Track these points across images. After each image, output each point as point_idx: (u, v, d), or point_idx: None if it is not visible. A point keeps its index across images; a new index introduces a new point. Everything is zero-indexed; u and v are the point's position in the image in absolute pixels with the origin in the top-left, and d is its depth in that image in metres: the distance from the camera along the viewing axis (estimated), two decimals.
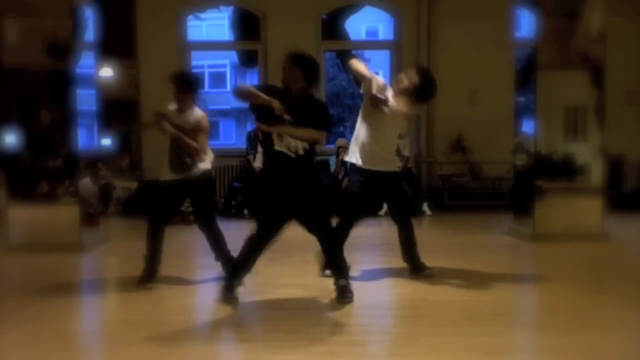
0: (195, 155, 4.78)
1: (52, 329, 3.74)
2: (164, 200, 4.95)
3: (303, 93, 4.24)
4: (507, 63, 9.34)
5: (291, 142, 4.13)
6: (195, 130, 4.82)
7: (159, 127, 4.82)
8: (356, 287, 4.66)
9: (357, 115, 5.03)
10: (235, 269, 4.36)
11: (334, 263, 4.42)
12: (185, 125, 4.80)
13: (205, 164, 4.87)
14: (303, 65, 4.32)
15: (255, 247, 4.25)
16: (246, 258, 4.28)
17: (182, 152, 4.80)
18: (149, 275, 4.83)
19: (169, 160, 4.81)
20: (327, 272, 4.98)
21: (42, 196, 6.34)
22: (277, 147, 4.13)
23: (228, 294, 4.24)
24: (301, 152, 4.14)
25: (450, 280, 4.90)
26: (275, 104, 4.04)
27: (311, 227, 4.32)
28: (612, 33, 6.99)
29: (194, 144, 4.75)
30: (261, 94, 4.07)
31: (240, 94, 4.27)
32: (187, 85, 4.89)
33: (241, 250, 4.28)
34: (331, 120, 4.47)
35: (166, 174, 4.84)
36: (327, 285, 4.53)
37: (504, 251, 6.34)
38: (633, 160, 9.61)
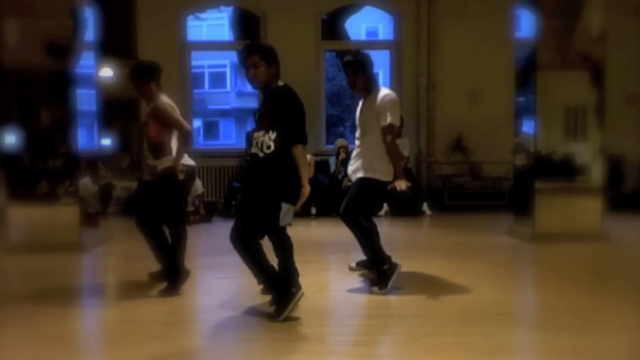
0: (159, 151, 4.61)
1: (52, 329, 3.74)
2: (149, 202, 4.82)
3: (270, 84, 3.93)
4: (507, 63, 9.31)
5: (264, 140, 3.83)
6: (149, 121, 4.64)
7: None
8: (356, 287, 4.66)
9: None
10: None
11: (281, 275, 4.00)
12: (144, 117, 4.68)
13: (164, 162, 4.62)
14: (264, 54, 3.89)
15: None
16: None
17: (149, 154, 4.71)
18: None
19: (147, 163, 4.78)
20: (353, 265, 5.04)
21: (42, 196, 6.34)
22: (253, 149, 3.92)
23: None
24: (266, 150, 3.81)
25: (450, 280, 4.90)
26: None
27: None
28: (612, 33, 6.99)
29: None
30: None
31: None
32: (141, 76, 4.62)
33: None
34: (297, 115, 3.84)
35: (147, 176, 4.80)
36: (327, 286, 4.54)
37: (504, 251, 6.33)
38: (633, 160, 9.62)
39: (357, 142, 4.88)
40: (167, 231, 4.74)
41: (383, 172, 4.69)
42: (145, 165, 4.73)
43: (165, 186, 4.61)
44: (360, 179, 4.75)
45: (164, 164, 4.60)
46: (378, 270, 4.64)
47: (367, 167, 4.73)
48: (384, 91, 4.78)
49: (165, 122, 4.60)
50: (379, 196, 4.91)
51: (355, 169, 4.80)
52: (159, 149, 4.63)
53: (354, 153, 4.88)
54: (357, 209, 4.76)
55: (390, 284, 4.52)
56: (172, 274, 4.57)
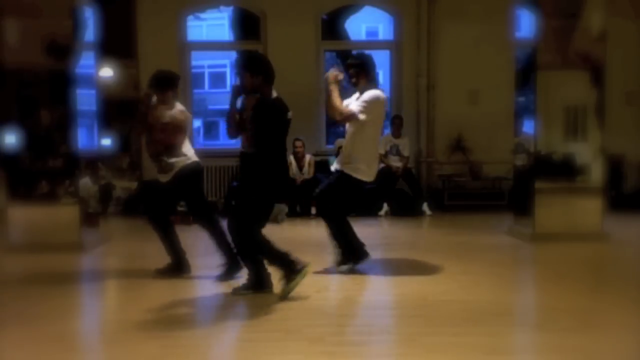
0: (162, 151, 4.92)
1: (52, 329, 3.74)
2: (159, 200, 5.10)
3: (259, 91, 4.38)
4: (507, 63, 9.33)
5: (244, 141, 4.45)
6: (168, 125, 4.94)
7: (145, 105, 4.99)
8: (356, 287, 4.66)
9: None
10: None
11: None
12: (160, 120, 4.94)
13: (181, 160, 4.97)
14: (248, 65, 4.36)
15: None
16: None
17: (154, 153, 4.98)
18: (179, 266, 5.07)
19: (155, 163, 5.02)
20: (343, 268, 5.05)
21: (42, 196, 6.34)
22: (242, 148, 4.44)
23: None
24: (248, 149, 4.43)
25: (450, 280, 4.90)
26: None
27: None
28: (612, 33, 6.99)
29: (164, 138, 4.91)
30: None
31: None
32: (163, 84, 5.01)
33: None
34: (263, 125, 4.35)
35: (160, 176, 5.03)
36: (327, 285, 4.55)
37: (504, 251, 6.34)
38: (633, 160, 9.61)
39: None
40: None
41: (364, 173, 5.01)
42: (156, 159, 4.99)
43: (187, 182, 4.98)
44: (341, 172, 5.04)
45: (181, 162, 4.95)
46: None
47: (351, 165, 5.01)
48: (372, 90, 5.02)
49: (180, 127, 4.98)
50: (355, 193, 5.08)
51: (339, 160, 5.13)
52: (173, 150, 4.94)
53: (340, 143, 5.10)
54: (333, 198, 5.05)
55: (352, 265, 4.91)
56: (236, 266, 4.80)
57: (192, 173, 5.05)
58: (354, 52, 5.55)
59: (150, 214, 5.07)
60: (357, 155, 5.01)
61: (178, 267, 5.10)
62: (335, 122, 5.21)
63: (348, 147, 5.08)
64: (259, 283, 4.38)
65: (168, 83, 5.02)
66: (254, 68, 4.29)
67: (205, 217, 5.07)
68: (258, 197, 4.26)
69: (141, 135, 5.05)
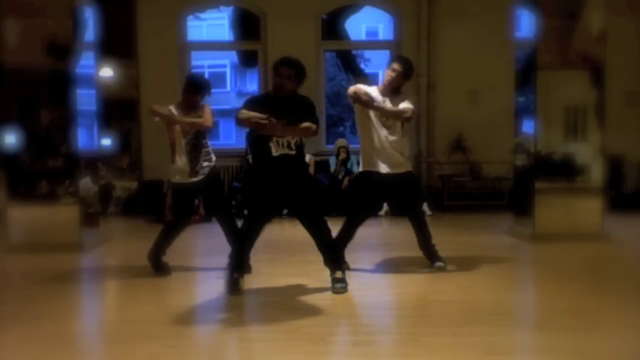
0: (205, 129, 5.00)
1: (52, 329, 3.74)
2: (190, 202, 5.18)
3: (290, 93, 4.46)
4: (507, 63, 9.31)
5: (290, 141, 4.33)
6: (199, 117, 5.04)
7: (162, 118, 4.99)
8: (356, 287, 4.66)
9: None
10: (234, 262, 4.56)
11: (332, 257, 4.56)
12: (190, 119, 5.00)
13: (212, 161, 5.10)
14: (301, 73, 4.54)
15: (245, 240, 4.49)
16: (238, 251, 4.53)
17: (198, 155, 4.97)
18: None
19: (189, 166, 4.95)
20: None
21: (42, 196, 6.34)
22: (275, 153, 4.32)
23: (232, 287, 4.45)
24: (294, 148, 4.36)
25: (450, 280, 4.90)
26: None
27: (305, 222, 4.47)
28: (612, 33, 6.99)
29: (200, 121, 4.96)
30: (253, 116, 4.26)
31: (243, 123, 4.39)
32: (200, 90, 5.03)
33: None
34: (315, 113, 4.52)
35: (184, 178, 4.97)
36: (327, 286, 4.54)
37: (504, 251, 6.33)
38: (633, 160, 9.61)
39: (389, 138, 5.03)
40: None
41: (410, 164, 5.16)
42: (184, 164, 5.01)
43: (220, 179, 5.26)
44: (412, 172, 5.19)
45: (213, 160, 5.05)
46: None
47: (405, 161, 5.10)
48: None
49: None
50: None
51: (396, 163, 5.05)
52: (204, 147, 5.02)
53: (386, 147, 5.01)
54: (420, 199, 5.43)
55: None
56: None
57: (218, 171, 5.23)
58: (396, 55, 5.67)
59: (182, 218, 5.10)
60: (405, 152, 5.13)
61: (157, 264, 5.11)
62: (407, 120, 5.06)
63: (400, 147, 5.08)
64: (240, 265, 4.52)
65: (200, 89, 5.03)
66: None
67: (228, 215, 5.19)
68: (316, 190, 4.63)
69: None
